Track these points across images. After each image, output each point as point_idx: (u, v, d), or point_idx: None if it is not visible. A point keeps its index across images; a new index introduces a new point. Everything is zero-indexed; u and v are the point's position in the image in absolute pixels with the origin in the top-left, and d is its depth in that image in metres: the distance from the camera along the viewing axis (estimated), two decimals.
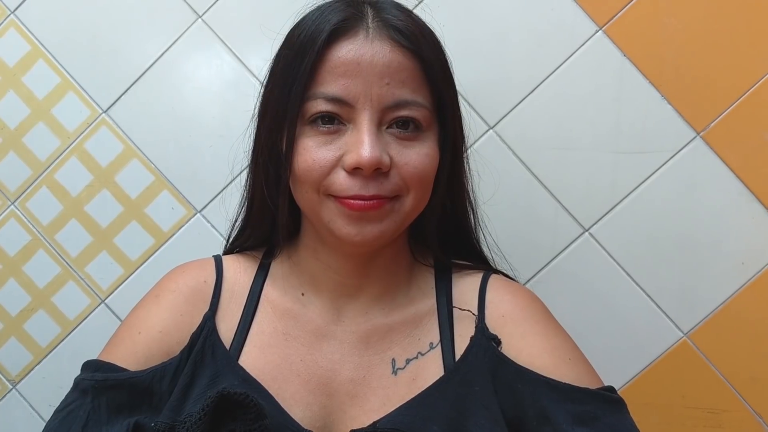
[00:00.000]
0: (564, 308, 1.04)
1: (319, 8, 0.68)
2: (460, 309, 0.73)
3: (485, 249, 0.84)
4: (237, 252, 0.80)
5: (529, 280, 1.05)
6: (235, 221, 0.80)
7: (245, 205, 0.77)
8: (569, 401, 0.64)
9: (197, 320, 0.72)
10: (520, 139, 1.04)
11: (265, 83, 0.71)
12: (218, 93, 1.06)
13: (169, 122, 1.06)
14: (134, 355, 0.69)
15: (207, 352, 0.70)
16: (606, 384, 0.69)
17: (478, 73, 1.03)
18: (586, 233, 1.04)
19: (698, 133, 1.02)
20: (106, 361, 0.69)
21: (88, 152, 1.07)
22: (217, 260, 0.77)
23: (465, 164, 0.76)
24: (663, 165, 1.02)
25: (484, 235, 0.82)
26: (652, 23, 1.01)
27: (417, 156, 0.66)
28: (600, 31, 1.02)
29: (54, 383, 1.11)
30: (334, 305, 0.73)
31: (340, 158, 0.64)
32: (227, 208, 1.05)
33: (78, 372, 0.70)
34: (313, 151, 0.64)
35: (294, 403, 0.69)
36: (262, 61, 1.05)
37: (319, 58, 0.64)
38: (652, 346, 1.05)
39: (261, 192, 0.72)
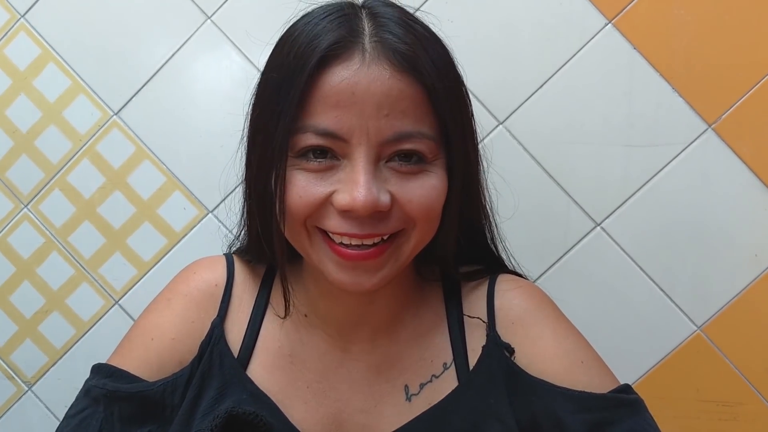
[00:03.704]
0: (576, 303, 1.05)
1: (311, 17, 0.59)
2: (469, 317, 0.69)
3: (508, 255, 0.80)
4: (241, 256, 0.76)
5: (541, 276, 1.05)
6: (238, 236, 0.76)
7: (245, 229, 0.71)
8: (585, 411, 0.62)
9: (207, 326, 0.69)
10: (530, 134, 1.03)
11: (251, 106, 0.64)
12: (228, 93, 1.06)
13: (180, 123, 1.06)
14: (147, 362, 0.67)
15: (215, 362, 0.67)
16: (621, 380, 0.68)
17: (487, 69, 1.03)
18: (598, 228, 1.04)
19: (710, 125, 1.01)
20: (119, 367, 0.67)
21: (100, 154, 1.07)
22: (229, 261, 0.73)
23: (482, 182, 0.69)
24: (675, 158, 1.02)
25: (502, 244, 0.76)
26: (662, 15, 1.01)
27: (421, 191, 0.58)
28: (609, 25, 1.01)
29: (69, 384, 1.11)
30: (339, 333, 0.68)
31: (331, 194, 0.57)
32: (236, 209, 1.05)
33: None
34: (301, 188, 0.57)
35: (305, 421, 0.66)
36: None
37: (308, 85, 0.56)
38: (666, 340, 1.05)
39: (256, 222, 0.65)
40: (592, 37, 1.01)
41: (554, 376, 0.64)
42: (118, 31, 1.06)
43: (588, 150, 1.03)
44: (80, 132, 1.07)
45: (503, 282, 0.71)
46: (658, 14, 1.01)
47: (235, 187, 1.05)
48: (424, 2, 1.02)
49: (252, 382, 0.67)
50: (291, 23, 0.62)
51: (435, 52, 0.60)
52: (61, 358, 1.11)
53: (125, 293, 1.09)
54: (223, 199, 1.07)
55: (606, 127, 1.02)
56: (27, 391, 1.12)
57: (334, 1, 0.62)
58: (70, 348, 1.11)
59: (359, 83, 0.55)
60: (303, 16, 0.61)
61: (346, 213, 0.57)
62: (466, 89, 0.64)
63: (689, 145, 1.02)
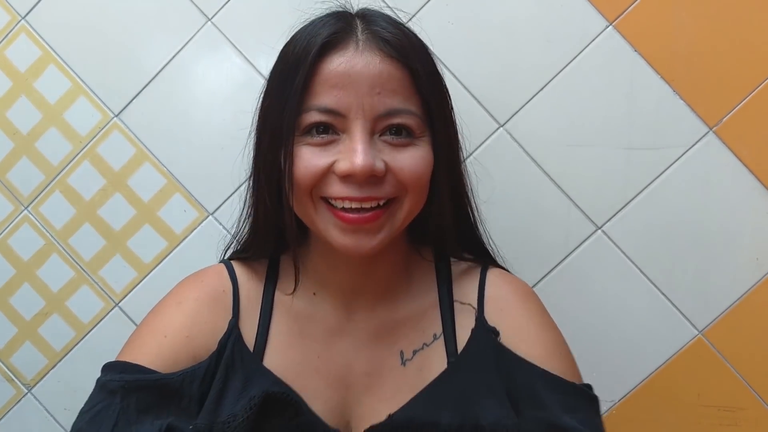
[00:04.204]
0: (577, 306, 1.04)
1: (311, 23, 0.70)
2: (461, 303, 0.77)
3: (492, 246, 0.84)
4: (239, 260, 0.81)
5: (542, 279, 1.05)
6: (236, 235, 0.80)
7: (250, 219, 0.77)
8: (560, 392, 0.70)
9: (221, 326, 0.74)
10: (531, 136, 1.03)
11: (261, 99, 0.73)
12: (229, 95, 1.06)
13: (180, 125, 1.06)
14: (160, 357, 0.70)
15: (237, 358, 0.72)
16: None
17: (487, 71, 1.03)
18: (599, 231, 1.04)
19: (711, 128, 1.01)
20: (132, 362, 0.69)
21: (101, 156, 1.07)
22: (228, 267, 0.79)
23: (463, 165, 0.77)
24: (676, 161, 1.02)
25: (486, 232, 0.83)
26: (663, 18, 1.01)
27: (411, 159, 0.67)
28: (610, 27, 1.01)
29: (69, 387, 1.11)
30: (344, 303, 0.76)
31: (332, 164, 0.66)
32: (236, 211, 1.06)
33: (93, 375, 0.70)
34: (307, 159, 0.66)
35: (315, 398, 0.72)
36: (271, 63, 1.05)
37: (311, 71, 0.65)
38: (667, 344, 1.04)
39: (264, 205, 0.72)
40: (593, 39, 1.01)
41: (536, 360, 0.72)
42: (119, 33, 1.06)
43: (589, 152, 1.03)
44: (81, 134, 1.07)
45: (495, 274, 0.79)
46: (659, 16, 1.01)
47: (236, 190, 1.06)
48: (425, 3, 1.02)
49: (271, 373, 0.73)
50: (295, 30, 0.71)
51: (418, 46, 0.70)
52: (60, 360, 1.11)
53: (125, 295, 1.09)
54: (224, 202, 1.07)
55: (607, 129, 1.02)
56: (26, 394, 1.12)
57: (330, 11, 0.72)
58: (70, 350, 1.10)
59: (354, 67, 0.65)
60: (304, 23, 0.71)
61: (347, 178, 0.65)
62: (442, 77, 0.73)
63: (690, 147, 1.01)
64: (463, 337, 0.74)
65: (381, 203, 0.67)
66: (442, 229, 0.75)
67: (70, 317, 1.10)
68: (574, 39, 1.02)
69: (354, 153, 0.64)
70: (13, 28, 1.06)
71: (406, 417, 0.69)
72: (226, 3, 1.04)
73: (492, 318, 0.75)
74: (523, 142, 1.03)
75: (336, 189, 0.66)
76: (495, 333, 0.74)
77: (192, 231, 1.08)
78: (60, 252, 1.09)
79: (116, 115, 1.07)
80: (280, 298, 0.77)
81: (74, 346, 1.10)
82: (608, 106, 1.02)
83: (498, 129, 1.04)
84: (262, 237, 0.76)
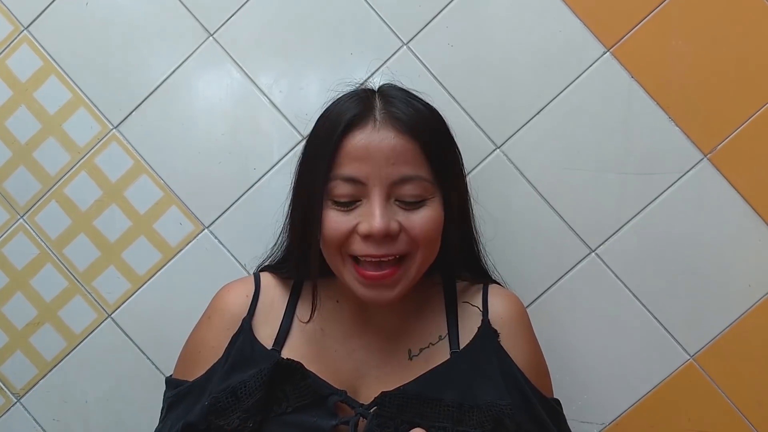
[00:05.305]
0: (570, 328, 1.05)
1: (338, 101, 0.83)
2: (471, 304, 0.88)
3: (497, 274, 0.94)
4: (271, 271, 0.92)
5: (535, 300, 1.05)
6: (273, 253, 0.92)
7: (284, 248, 0.91)
8: (539, 401, 0.84)
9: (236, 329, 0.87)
10: (527, 159, 1.04)
11: (300, 158, 0.86)
12: (228, 110, 1.06)
13: (178, 139, 1.07)
14: (198, 368, 0.85)
15: (246, 347, 0.83)
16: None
17: (485, 93, 1.04)
18: (593, 254, 1.04)
19: (705, 155, 1.02)
20: (175, 378, 0.89)
21: (98, 167, 1.08)
22: (256, 276, 0.91)
23: (471, 211, 0.90)
24: (670, 186, 1.03)
25: (492, 263, 0.94)
26: (660, 45, 1.02)
27: (421, 219, 0.78)
28: (608, 53, 1.02)
29: (58, 397, 1.11)
30: (363, 313, 0.87)
31: (356, 226, 0.77)
32: (232, 226, 1.07)
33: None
34: (334, 221, 0.78)
35: (326, 370, 0.83)
36: (271, 79, 1.06)
37: (337, 145, 0.78)
38: (659, 368, 1.05)
39: (298, 248, 0.86)
40: (590, 65, 1.02)
41: (523, 370, 0.84)
42: (121, 46, 1.07)
43: (584, 176, 1.03)
44: (79, 144, 1.08)
45: (496, 288, 0.92)
46: (656, 44, 1.02)
47: (232, 204, 1.06)
48: (425, 25, 1.03)
49: (278, 353, 0.84)
50: (326, 106, 0.84)
51: (428, 117, 0.82)
52: (51, 370, 1.10)
53: (118, 307, 1.09)
54: (220, 216, 1.07)
55: (602, 153, 1.03)
56: (15, 403, 1.11)
57: (356, 89, 0.85)
58: (61, 361, 1.10)
59: (372, 142, 0.77)
60: (333, 100, 0.83)
61: (367, 238, 0.77)
62: (456, 145, 0.85)
63: (684, 174, 1.02)
64: (466, 337, 0.85)
65: (396, 257, 0.78)
66: (451, 263, 0.87)
67: (62, 327, 1.10)
68: (571, 64, 1.03)
69: (372, 217, 0.76)
70: (16, 38, 1.07)
71: (415, 390, 0.79)
72: (228, 19, 1.05)
73: (496, 320, 0.86)
74: (519, 164, 1.04)
75: (358, 247, 0.78)
76: (497, 334, 0.85)
77: (187, 244, 1.08)
78: (54, 262, 1.09)
79: (115, 127, 1.07)
80: (303, 304, 0.88)
81: (65, 357, 1.10)
82: (604, 130, 1.03)
83: (494, 151, 1.04)
84: (294, 263, 0.87)
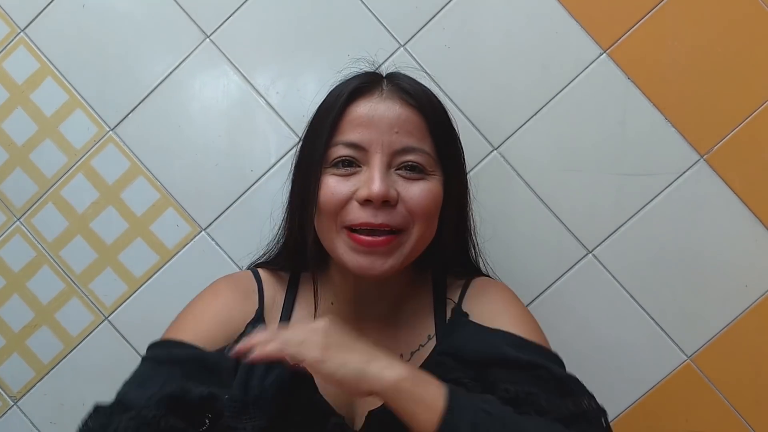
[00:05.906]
0: (567, 329, 1.05)
1: (345, 78, 0.83)
2: (451, 300, 0.86)
3: (490, 270, 0.91)
4: (266, 267, 0.90)
5: (532, 301, 1.05)
6: (269, 249, 0.90)
7: (282, 237, 0.89)
8: (520, 347, 0.77)
9: (250, 314, 0.84)
10: (524, 160, 1.04)
11: (302, 137, 0.84)
12: (224, 112, 1.06)
13: (175, 140, 1.07)
14: (197, 337, 0.79)
15: None
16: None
17: (483, 94, 1.04)
18: (590, 255, 1.04)
19: (702, 156, 1.02)
20: (177, 339, 0.79)
21: (95, 169, 1.08)
22: (254, 272, 0.89)
23: (468, 203, 0.88)
24: (667, 187, 1.03)
25: (484, 259, 0.92)
26: (657, 46, 1.02)
27: (421, 191, 0.77)
28: (604, 54, 1.02)
29: (55, 400, 1.10)
30: (356, 315, 0.85)
31: (354, 192, 0.76)
32: (229, 227, 1.07)
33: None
34: (332, 186, 0.77)
35: (326, 388, 0.79)
36: (268, 80, 1.06)
37: (341, 113, 0.78)
38: (656, 369, 1.05)
39: (295, 226, 0.84)
40: (587, 66, 1.03)
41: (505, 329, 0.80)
42: (117, 48, 1.07)
43: (581, 177, 1.04)
44: (76, 146, 1.08)
45: (480, 279, 0.89)
46: (653, 45, 1.02)
47: (229, 206, 1.06)
48: (423, 27, 1.04)
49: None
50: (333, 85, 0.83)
51: (434, 99, 0.82)
52: (48, 373, 1.10)
53: (115, 309, 1.09)
54: (217, 217, 1.07)
55: (599, 154, 1.03)
56: (12, 406, 1.11)
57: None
58: (58, 363, 1.10)
59: (377, 110, 0.77)
60: (340, 80, 0.82)
61: (365, 204, 0.75)
62: (457, 130, 0.83)
63: (681, 175, 1.02)
64: (449, 332, 0.84)
65: (393, 230, 0.76)
66: (444, 260, 0.85)
67: (58, 330, 1.09)
68: (568, 65, 1.03)
69: (372, 181, 0.74)
70: (12, 39, 1.07)
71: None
72: (225, 21, 1.05)
73: (468, 305, 0.85)
74: (516, 165, 1.04)
75: (356, 214, 0.76)
76: (466, 315, 0.83)
77: (184, 246, 1.08)
78: (51, 264, 1.09)
79: (112, 129, 1.07)
80: (299, 305, 0.86)
81: (62, 359, 1.10)
82: (601, 132, 1.03)
83: (492, 152, 1.04)
84: (290, 251, 0.86)
